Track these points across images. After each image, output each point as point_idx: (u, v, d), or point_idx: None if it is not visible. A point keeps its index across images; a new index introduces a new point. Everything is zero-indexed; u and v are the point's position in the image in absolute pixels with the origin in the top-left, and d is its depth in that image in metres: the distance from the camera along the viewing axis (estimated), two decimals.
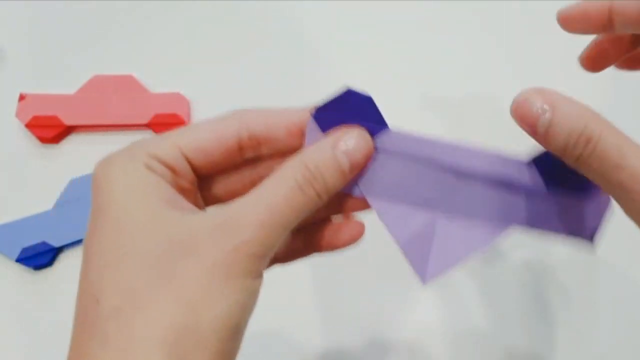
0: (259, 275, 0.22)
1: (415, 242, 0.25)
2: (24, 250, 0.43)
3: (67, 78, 0.49)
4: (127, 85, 0.49)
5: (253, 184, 0.25)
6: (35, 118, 0.47)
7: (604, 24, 0.28)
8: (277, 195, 0.22)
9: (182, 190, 0.23)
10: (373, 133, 0.24)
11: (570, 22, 0.29)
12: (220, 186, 0.25)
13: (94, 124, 0.47)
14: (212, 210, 0.22)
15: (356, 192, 0.25)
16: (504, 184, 0.24)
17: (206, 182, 0.25)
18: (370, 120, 0.24)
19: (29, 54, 0.52)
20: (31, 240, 0.43)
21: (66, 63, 0.51)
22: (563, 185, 0.24)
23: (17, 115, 0.47)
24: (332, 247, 0.26)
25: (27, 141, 0.48)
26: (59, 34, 0.52)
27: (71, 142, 0.48)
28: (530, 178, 0.24)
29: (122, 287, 0.20)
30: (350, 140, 0.23)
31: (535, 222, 0.25)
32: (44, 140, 0.47)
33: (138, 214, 0.21)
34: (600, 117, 0.22)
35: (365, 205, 0.25)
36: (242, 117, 0.24)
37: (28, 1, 0.54)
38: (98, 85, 0.49)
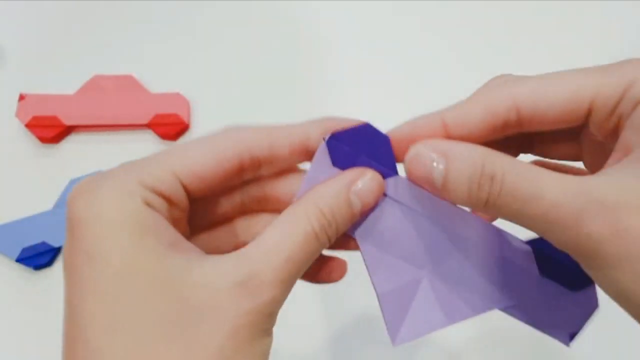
0: (271, 332, 0.20)
1: (394, 297, 0.23)
2: (24, 250, 0.43)
3: (67, 78, 0.49)
4: (127, 85, 0.49)
5: (243, 205, 0.24)
6: (35, 118, 0.47)
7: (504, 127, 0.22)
8: (294, 244, 0.20)
9: (174, 221, 0.21)
10: (383, 176, 0.23)
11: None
12: (209, 208, 0.24)
13: (94, 124, 0.47)
14: (225, 260, 0.20)
15: (349, 231, 0.23)
16: (498, 261, 0.23)
17: (194, 205, 0.23)
18: (382, 161, 0.23)
19: (29, 54, 0.52)
20: (31, 240, 0.43)
21: (66, 63, 0.51)
22: (556, 274, 0.23)
23: (17, 115, 0.47)
24: (321, 281, 0.25)
25: (27, 141, 0.48)
26: (59, 34, 0.52)
27: (71, 142, 0.48)
28: (524, 259, 0.23)
29: (131, 355, 0.18)
30: (365, 183, 0.22)
31: (521, 306, 0.23)
32: (44, 140, 0.47)
33: (142, 265, 0.19)
34: (497, 152, 0.20)
35: (353, 246, 0.24)
36: (241, 138, 0.22)
37: (28, 1, 0.54)
38: (98, 86, 0.49)
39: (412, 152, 0.21)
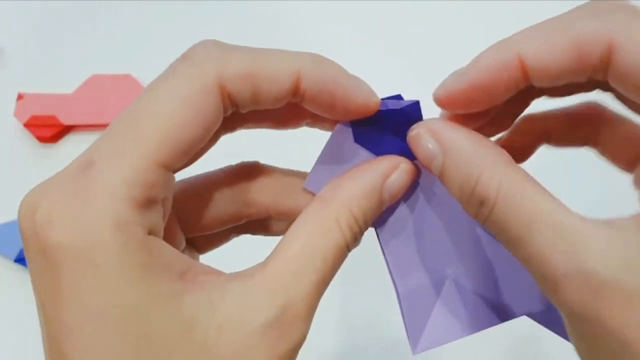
0: None
1: (416, 298, 0.21)
2: (23, 250, 0.43)
3: (65, 77, 0.49)
4: (126, 84, 0.49)
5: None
6: (33, 117, 0.47)
7: (512, 87, 0.18)
8: (327, 264, 0.17)
9: (165, 213, 0.18)
10: (408, 157, 0.20)
11: (465, 102, 0.18)
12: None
13: (92, 123, 0.47)
14: (251, 290, 0.17)
15: None
16: None
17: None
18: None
19: (27, 53, 0.51)
20: None
21: (64, 62, 0.51)
22: None
23: (15, 114, 0.47)
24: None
25: (25, 141, 0.48)
26: (58, 34, 0.52)
27: (69, 142, 0.48)
28: None
29: None
30: (398, 178, 0.19)
31: (550, 310, 0.21)
32: (42, 139, 0.47)
33: (157, 317, 0.15)
34: (506, 164, 0.17)
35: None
36: (222, 80, 0.17)
37: (27, 1, 0.53)
38: (96, 85, 0.48)
39: (414, 132, 0.19)
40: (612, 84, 0.17)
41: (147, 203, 0.16)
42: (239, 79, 0.17)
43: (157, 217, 0.17)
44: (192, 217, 0.21)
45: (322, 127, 0.21)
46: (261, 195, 0.21)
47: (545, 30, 0.17)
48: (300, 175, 0.22)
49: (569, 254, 0.15)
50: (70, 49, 0.52)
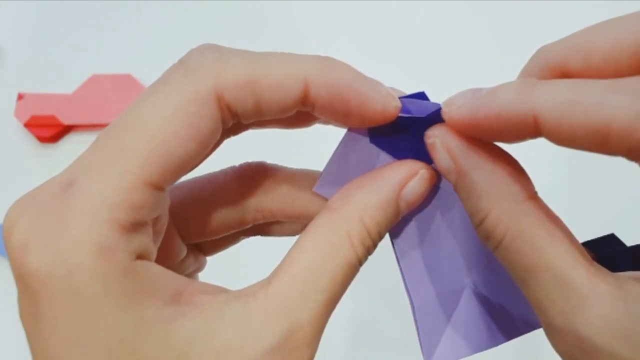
0: None
1: (432, 310, 0.19)
2: None
3: (66, 77, 0.49)
4: (126, 84, 0.49)
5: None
6: (33, 117, 0.47)
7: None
8: (336, 283, 0.16)
9: (157, 231, 0.17)
10: (428, 160, 0.18)
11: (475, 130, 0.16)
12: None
13: (92, 123, 0.47)
14: (252, 311, 0.15)
15: None
16: None
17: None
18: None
19: (28, 53, 0.51)
20: None
21: (64, 62, 0.51)
22: None
23: (16, 114, 0.47)
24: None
25: (25, 141, 0.48)
26: (58, 34, 0.52)
27: (69, 142, 0.48)
28: None
29: None
30: (416, 186, 0.18)
31: None
32: (42, 139, 0.47)
33: (147, 346, 0.14)
34: (517, 202, 0.16)
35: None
36: (220, 91, 0.15)
37: (27, 1, 0.53)
38: (96, 85, 0.48)
39: (430, 140, 0.17)
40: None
41: (133, 226, 0.15)
42: (239, 88, 0.15)
43: (146, 240, 0.15)
44: (193, 224, 0.20)
45: (338, 125, 0.20)
46: (268, 199, 0.20)
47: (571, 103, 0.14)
48: (310, 175, 0.20)
49: (567, 313, 0.15)
50: (70, 49, 0.52)
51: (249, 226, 0.21)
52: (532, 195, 0.16)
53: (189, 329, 0.15)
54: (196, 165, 0.17)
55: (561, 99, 0.14)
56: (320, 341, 0.16)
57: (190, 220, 0.20)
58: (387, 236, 0.19)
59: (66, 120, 0.47)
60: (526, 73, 0.16)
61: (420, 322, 0.19)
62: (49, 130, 0.47)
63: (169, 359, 0.14)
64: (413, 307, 0.19)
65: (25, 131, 0.47)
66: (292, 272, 0.16)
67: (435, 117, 0.17)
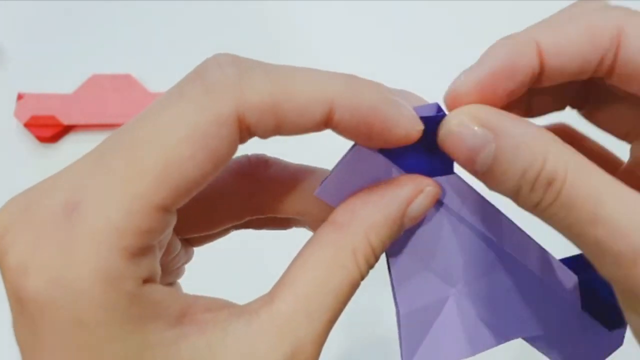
0: None
1: (416, 318, 0.19)
2: None
3: (66, 77, 0.49)
4: (126, 84, 0.49)
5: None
6: (33, 117, 0.47)
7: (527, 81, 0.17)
8: (339, 302, 0.16)
9: (163, 246, 0.16)
10: (433, 173, 0.18)
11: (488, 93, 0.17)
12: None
13: (92, 123, 0.47)
14: (256, 331, 0.15)
15: None
16: (540, 286, 0.20)
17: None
18: (436, 154, 0.18)
19: (28, 53, 0.51)
20: None
21: (64, 62, 0.51)
22: (597, 311, 0.20)
23: (16, 114, 0.47)
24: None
25: (25, 141, 0.48)
26: (58, 34, 0.52)
27: (69, 142, 0.48)
28: (568, 290, 0.20)
29: None
30: (421, 203, 0.18)
31: (547, 336, 0.20)
32: (42, 139, 0.47)
33: None
34: (564, 144, 0.16)
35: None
36: (242, 114, 0.14)
37: (27, 1, 0.53)
38: (96, 85, 0.48)
39: (453, 121, 0.16)
40: (618, 72, 0.17)
41: (142, 251, 0.14)
42: (262, 111, 0.15)
43: (153, 262, 0.15)
44: (190, 219, 0.19)
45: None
46: (267, 196, 0.19)
47: (558, 21, 0.17)
48: (312, 172, 0.20)
49: None
50: (70, 49, 0.52)
51: (245, 220, 0.20)
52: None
53: (192, 351, 0.14)
54: (206, 184, 0.16)
55: (552, 23, 0.17)
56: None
57: (187, 216, 0.19)
58: None
59: (66, 120, 0.47)
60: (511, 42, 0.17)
61: (404, 330, 0.19)
62: (49, 130, 0.47)
63: None
64: (398, 314, 0.19)
65: (25, 131, 0.47)
66: (296, 290, 0.16)
67: (438, 119, 0.17)
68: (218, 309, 0.16)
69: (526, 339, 0.21)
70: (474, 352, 0.20)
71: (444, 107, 0.18)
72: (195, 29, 0.53)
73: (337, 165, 0.18)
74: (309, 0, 0.54)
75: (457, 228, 0.19)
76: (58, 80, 0.49)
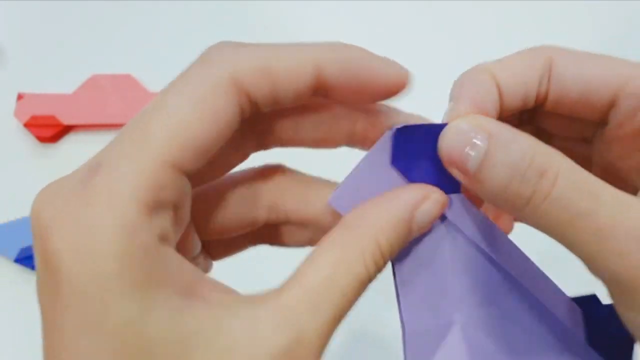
0: None
1: (422, 339, 0.19)
2: (22, 250, 0.43)
3: (66, 77, 0.49)
4: (126, 84, 0.49)
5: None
6: (33, 117, 0.47)
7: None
8: (345, 299, 0.16)
9: (179, 221, 0.17)
10: (444, 189, 0.19)
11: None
12: (205, 170, 0.19)
13: (92, 123, 0.47)
14: (262, 316, 0.15)
15: None
16: (546, 318, 0.19)
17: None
18: (444, 172, 0.18)
19: (27, 53, 0.51)
20: (29, 240, 0.43)
21: (64, 62, 0.51)
22: (601, 344, 0.20)
23: (15, 114, 0.47)
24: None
25: (25, 141, 0.48)
26: (58, 34, 0.52)
27: (69, 142, 0.48)
28: (573, 322, 0.20)
29: None
30: (428, 210, 0.18)
31: None
32: (42, 139, 0.47)
33: (155, 333, 0.14)
34: (551, 148, 0.17)
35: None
36: (236, 76, 0.16)
37: (27, 1, 0.53)
38: (96, 85, 0.48)
39: (451, 126, 0.17)
40: (551, 96, 0.19)
41: (157, 206, 0.15)
42: (255, 74, 0.16)
43: (167, 223, 0.16)
44: (209, 218, 0.20)
45: (362, 147, 0.20)
46: (283, 199, 0.20)
47: (509, 57, 0.20)
48: (327, 184, 0.21)
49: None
50: (70, 49, 0.52)
51: (260, 225, 0.21)
52: None
53: (198, 322, 0.15)
54: (214, 152, 0.17)
55: (573, 57, 0.19)
56: (324, 355, 0.16)
57: (206, 214, 0.20)
58: None
59: (66, 121, 0.47)
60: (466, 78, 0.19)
61: (409, 349, 0.19)
62: (49, 130, 0.47)
63: (175, 349, 0.15)
64: (404, 333, 0.19)
65: (25, 131, 0.47)
66: (304, 283, 0.16)
67: (437, 132, 0.18)
68: (227, 292, 0.16)
69: None
70: None
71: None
72: (195, 29, 0.53)
73: (349, 175, 0.18)
74: (310, 0, 0.54)
75: (463, 248, 0.19)
76: (58, 80, 0.49)
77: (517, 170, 0.16)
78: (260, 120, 0.19)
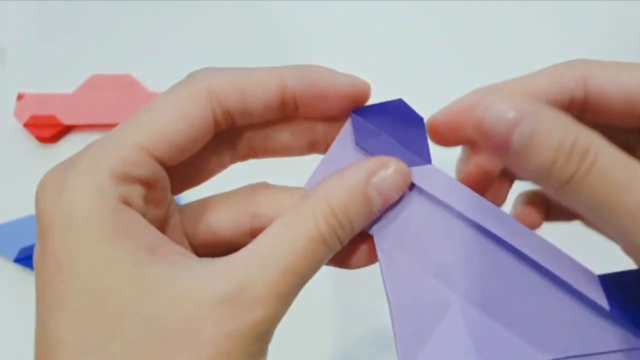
0: (264, 354, 0.18)
1: (412, 316, 0.19)
2: (22, 250, 0.42)
3: (66, 77, 0.49)
4: (126, 84, 0.49)
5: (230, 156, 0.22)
6: (33, 117, 0.47)
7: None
8: (295, 250, 0.17)
9: (156, 203, 0.19)
10: (411, 163, 0.19)
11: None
12: (186, 171, 0.21)
13: (92, 123, 0.47)
14: (213, 268, 0.17)
15: (366, 226, 0.19)
16: (556, 290, 0.18)
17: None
18: (413, 146, 0.19)
19: (27, 53, 0.51)
20: (29, 240, 0.43)
21: (64, 62, 0.51)
22: (627, 310, 0.18)
23: (15, 114, 0.47)
24: (350, 266, 0.22)
25: (25, 141, 0.48)
26: (58, 33, 0.52)
27: (69, 142, 0.48)
28: (590, 289, 0.18)
29: None
30: (388, 175, 0.19)
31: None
32: (42, 139, 0.47)
33: (116, 278, 0.16)
34: (590, 129, 0.17)
35: (370, 249, 0.21)
36: (210, 89, 0.19)
37: (27, 1, 0.53)
38: (96, 85, 0.48)
39: (490, 104, 0.17)
40: (591, 108, 0.20)
41: (125, 177, 0.17)
42: (227, 86, 0.19)
43: (135, 194, 0.18)
44: (197, 226, 0.21)
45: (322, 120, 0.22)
46: (266, 207, 0.21)
47: (525, 76, 0.20)
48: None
49: None
50: (70, 49, 0.51)
51: (246, 231, 0.21)
52: None
53: (155, 276, 0.17)
54: (188, 150, 0.19)
55: (610, 68, 0.19)
56: (280, 309, 0.17)
57: (196, 223, 0.21)
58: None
59: (66, 120, 0.47)
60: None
61: (398, 325, 0.19)
62: (49, 130, 0.47)
63: (132, 297, 0.16)
64: (390, 307, 0.19)
65: (25, 131, 0.47)
66: (256, 242, 0.18)
67: (400, 105, 0.19)
68: (188, 255, 0.18)
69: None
70: None
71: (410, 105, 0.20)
72: (195, 29, 0.53)
73: (320, 163, 0.20)
74: (311, 1, 0.54)
75: (447, 219, 0.19)
76: (58, 80, 0.49)
77: (561, 149, 0.16)
78: (235, 132, 0.21)
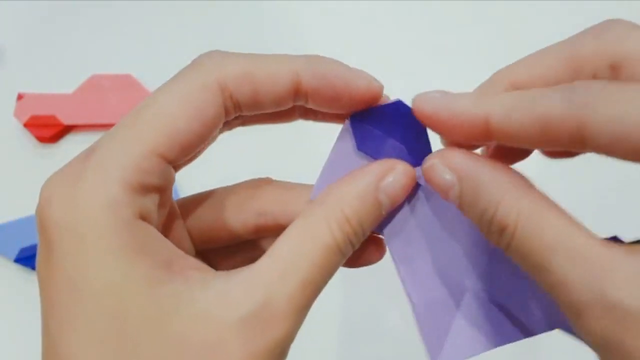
0: None
1: (433, 310, 0.19)
2: (22, 250, 0.42)
3: (66, 77, 0.49)
4: (126, 84, 0.49)
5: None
6: (33, 117, 0.47)
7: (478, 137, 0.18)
8: (314, 264, 0.17)
9: (163, 205, 0.18)
10: (414, 163, 0.19)
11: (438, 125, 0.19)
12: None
13: (92, 123, 0.47)
14: (233, 284, 0.17)
15: (375, 228, 0.19)
16: None
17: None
18: (415, 146, 0.19)
19: (27, 53, 0.51)
20: (29, 240, 0.43)
21: (64, 62, 0.51)
22: None
23: (15, 114, 0.47)
24: (362, 264, 0.22)
25: (25, 141, 0.48)
26: (58, 34, 0.52)
27: (69, 142, 0.48)
28: None
29: None
30: (395, 180, 0.19)
31: None
32: (42, 139, 0.47)
33: (134, 298, 0.16)
34: (524, 189, 0.17)
35: (379, 248, 0.21)
36: (222, 81, 0.18)
37: (27, 1, 0.53)
38: (96, 85, 0.48)
39: (428, 163, 0.18)
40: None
41: (140, 188, 0.17)
42: (239, 78, 0.18)
43: (150, 204, 0.17)
44: (201, 224, 0.21)
45: (324, 120, 0.21)
46: (270, 205, 0.21)
47: (512, 95, 0.18)
48: (309, 187, 0.21)
49: (592, 283, 0.15)
50: (70, 49, 0.52)
51: (251, 229, 0.21)
52: (532, 185, 0.17)
53: (174, 294, 0.16)
54: (200, 147, 0.18)
55: (508, 102, 0.17)
56: (299, 322, 0.17)
57: (199, 221, 0.21)
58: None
59: (66, 120, 0.47)
60: (482, 90, 0.19)
61: (422, 324, 0.19)
62: (49, 130, 0.47)
63: (151, 316, 0.16)
64: (414, 309, 0.20)
65: (25, 131, 0.47)
66: (273, 254, 0.17)
67: (400, 107, 0.19)
68: (205, 270, 0.18)
69: (563, 330, 0.19)
70: (502, 344, 0.20)
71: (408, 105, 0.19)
72: (195, 29, 0.53)
73: (323, 169, 0.20)
74: (309, 0, 0.54)
75: (459, 219, 0.19)
76: (58, 80, 0.49)
77: (483, 221, 0.17)
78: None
